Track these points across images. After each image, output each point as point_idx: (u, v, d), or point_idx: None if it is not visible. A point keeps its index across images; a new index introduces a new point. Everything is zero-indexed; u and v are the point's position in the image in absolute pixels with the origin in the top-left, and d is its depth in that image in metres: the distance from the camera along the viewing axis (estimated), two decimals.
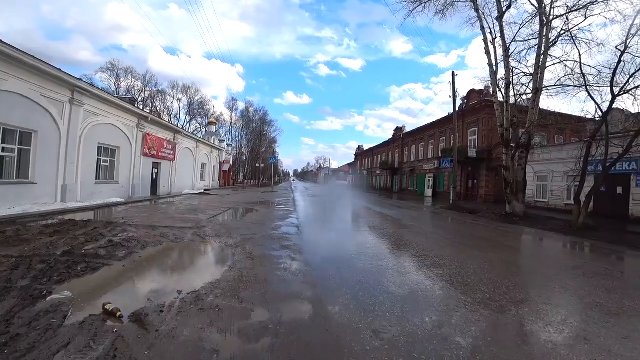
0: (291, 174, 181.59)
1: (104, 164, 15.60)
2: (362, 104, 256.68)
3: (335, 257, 5.48)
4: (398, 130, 47.38)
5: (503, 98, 15.62)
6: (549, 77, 15.17)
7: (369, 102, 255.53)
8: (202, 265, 4.73)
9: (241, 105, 62.89)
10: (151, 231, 6.66)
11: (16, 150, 11.05)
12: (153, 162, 20.11)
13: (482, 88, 27.04)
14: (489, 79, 17.41)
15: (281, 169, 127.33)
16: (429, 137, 36.83)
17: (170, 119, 55.96)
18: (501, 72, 16.16)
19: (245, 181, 61.70)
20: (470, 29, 17.23)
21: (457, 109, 29.37)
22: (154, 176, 20.61)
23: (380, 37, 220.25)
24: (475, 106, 26.69)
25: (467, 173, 28.02)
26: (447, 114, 34.35)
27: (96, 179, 14.90)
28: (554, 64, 15.05)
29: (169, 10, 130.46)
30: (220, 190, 30.96)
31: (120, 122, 16.31)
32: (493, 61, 15.88)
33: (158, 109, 56.12)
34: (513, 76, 15.30)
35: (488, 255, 6.24)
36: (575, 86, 14.32)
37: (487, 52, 15.99)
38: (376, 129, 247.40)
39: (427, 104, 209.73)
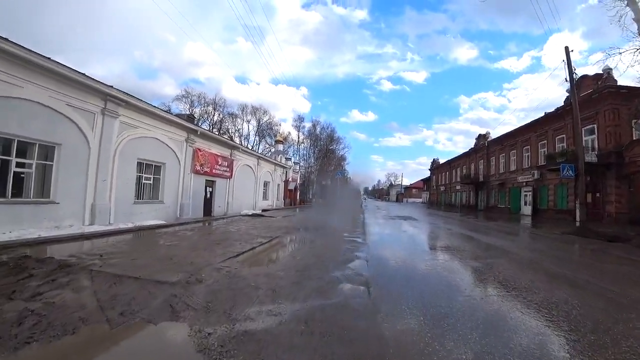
0: (361, 192, 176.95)
1: (146, 181, 13.94)
2: (429, 117, 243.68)
3: None
4: (481, 137, 41.19)
5: None
6: None
7: (437, 115, 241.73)
8: None
9: (308, 125, 61.77)
10: (108, 287, 3.85)
11: (34, 166, 9.53)
12: (206, 180, 18.37)
13: (600, 71, 20.92)
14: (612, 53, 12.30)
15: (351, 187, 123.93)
16: (523, 142, 30.56)
17: (241, 140, 56.96)
18: None
19: (314, 200, 59.76)
20: None
21: (566, 101, 23.50)
22: (208, 195, 18.85)
23: (442, 46, 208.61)
24: (592, 96, 20.63)
25: (584, 184, 21.72)
26: (543, 114, 28.07)
27: (136, 198, 13.22)
28: None
29: (237, 44, 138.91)
30: (282, 210, 28.70)
31: (165, 136, 14.68)
32: None
33: (229, 131, 57.69)
34: None
35: None
36: None
37: (632, 1, 11.07)
38: (447, 143, 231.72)
39: (501, 112, 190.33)
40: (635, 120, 18.91)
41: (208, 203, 18.79)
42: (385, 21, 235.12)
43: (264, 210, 24.27)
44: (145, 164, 13.81)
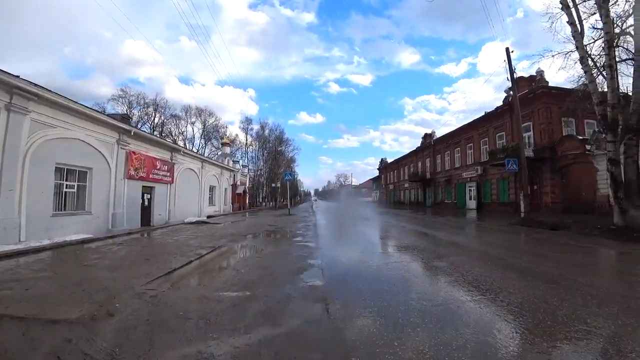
0: (312, 193, 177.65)
1: (68, 190, 12.10)
2: (376, 119, 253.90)
3: None
4: (427, 136, 42.75)
5: (601, 63, 11.18)
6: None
7: (383, 116, 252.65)
8: None
9: (256, 127, 60.12)
10: None
11: None
12: (143, 186, 16.60)
13: (534, 73, 22.45)
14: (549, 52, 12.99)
15: (302, 189, 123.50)
16: (467, 140, 32.07)
17: (186, 143, 53.92)
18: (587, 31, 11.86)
19: (264, 203, 58.23)
20: None
21: (506, 101, 24.89)
22: (146, 203, 17.07)
23: (387, 51, 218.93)
24: (528, 96, 21.99)
25: (527, 177, 23.07)
26: (483, 114, 29.71)
27: (55, 210, 11.37)
28: None
29: (180, 43, 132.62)
30: (230, 215, 27.22)
31: (91, 137, 12.91)
32: (575, 18, 11.54)
33: (173, 134, 54.31)
34: (614, 28, 10.89)
35: None
36: None
37: (566, 6, 11.66)
38: (393, 143, 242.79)
39: (442, 114, 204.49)
40: (565, 118, 20.47)
41: (146, 211, 17.02)
42: (332, 24, 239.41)
43: (209, 217, 22.72)
44: (67, 169, 11.98)
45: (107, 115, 16.32)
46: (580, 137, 19.08)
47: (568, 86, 15.23)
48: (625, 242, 8.83)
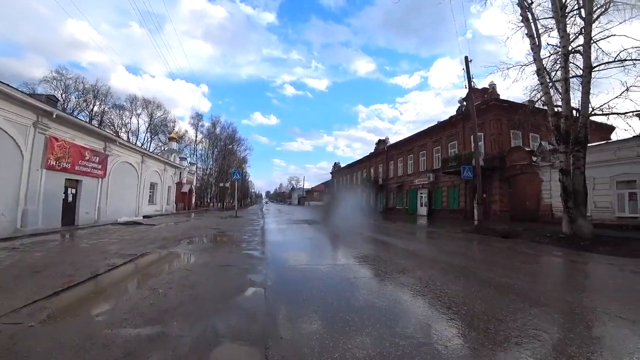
0: (263, 195, 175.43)
1: None
2: (330, 124, 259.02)
3: None
4: (381, 142, 43.20)
5: (556, 76, 11.36)
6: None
7: (337, 122, 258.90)
8: None
9: (207, 124, 57.17)
10: None
11: None
12: (67, 179, 14.38)
13: (487, 86, 23.25)
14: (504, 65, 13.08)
15: (253, 190, 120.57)
16: (420, 147, 32.68)
17: (129, 136, 49.83)
18: (544, 46, 12.09)
19: (212, 204, 55.44)
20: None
21: (460, 111, 25.58)
22: (70, 198, 14.81)
23: (344, 58, 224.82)
24: (480, 107, 22.68)
25: (472, 186, 23.75)
26: (436, 123, 30.51)
27: None
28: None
29: (130, 29, 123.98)
30: (172, 215, 25.04)
31: None
32: (534, 31, 11.70)
33: (115, 125, 49.83)
34: (570, 43, 11.11)
35: None
36: None
37: (526, 19, 11.77)
38: (346, 149, 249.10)
39: (394, 122, 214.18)
40: (513, 131, 21.34)
41: (70, 209, 14.76)
42: (292, 27, 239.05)
43: (147, 217, 20.56)
44: None
45: (24, 93, 13.88)
46: (527, 149, 19.92)
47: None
48: (578, 251, 8.92)
